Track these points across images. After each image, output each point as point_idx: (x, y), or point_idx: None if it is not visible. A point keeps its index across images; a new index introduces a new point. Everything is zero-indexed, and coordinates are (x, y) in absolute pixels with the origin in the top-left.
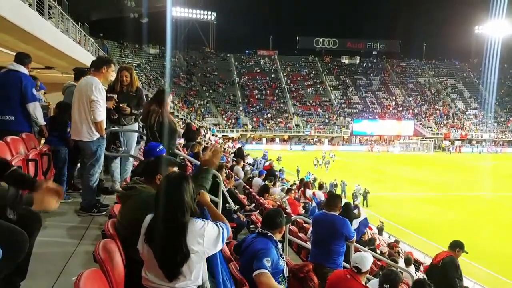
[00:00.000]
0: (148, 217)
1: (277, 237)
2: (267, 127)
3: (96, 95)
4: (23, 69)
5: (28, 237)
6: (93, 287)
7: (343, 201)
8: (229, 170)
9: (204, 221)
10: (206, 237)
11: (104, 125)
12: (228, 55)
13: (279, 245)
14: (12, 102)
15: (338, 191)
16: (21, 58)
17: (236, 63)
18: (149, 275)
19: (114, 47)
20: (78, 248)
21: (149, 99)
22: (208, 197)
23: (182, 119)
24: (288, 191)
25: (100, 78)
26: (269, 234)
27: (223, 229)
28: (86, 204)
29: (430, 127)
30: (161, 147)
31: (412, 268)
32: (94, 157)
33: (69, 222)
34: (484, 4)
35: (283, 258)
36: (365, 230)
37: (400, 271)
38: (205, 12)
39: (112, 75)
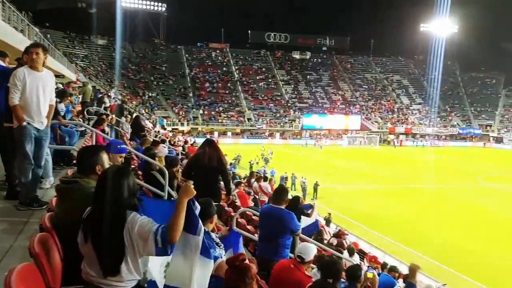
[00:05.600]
0: (87, 210)
1: (209, 227)
2: (219, 121)
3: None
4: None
5: None
6: (26, 282)
7: (294, 194)
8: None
9: (139, 215)
10: (136, 231)
11: (19, 114)
12: (178, 47)
13: (212, 235)
14: None
15: (288, 184)
16: None
17: (187, 55)
18: (88, 269)
19: (61, 37)
20: (16, 243)
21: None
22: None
23: (130, 111)
24: (238, 184)
25: (26, 64)
26: None
27: (157, 231)
28: (22, 198)
29: (376, 122)
30: (123, 145)
31: (356, 258)
32: (17, 147)
33: (7, 217)
34: (429, 2)
35: (219, 246)
36: (314, 232)
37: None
38: (155, 4)
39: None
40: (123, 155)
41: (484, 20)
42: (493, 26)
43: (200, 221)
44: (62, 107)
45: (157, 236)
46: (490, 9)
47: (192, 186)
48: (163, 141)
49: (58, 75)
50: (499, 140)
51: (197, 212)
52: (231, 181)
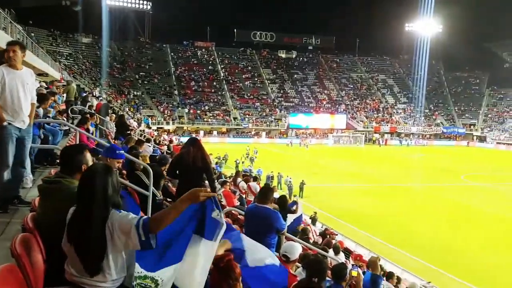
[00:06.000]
0: (71, 210)
1: None
2: (205, 120)
3: None
4: None
5: None
6: (7, 283)
7: (280, 193)
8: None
9: (118, 211)
10: (118, 227)
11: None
12: (164, 45)
13: None
14: None
15: (275, 183)
16: None
17: (172, 54)
18: (71, 269)
19: (45, 35)
20: None
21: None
22: None
23: (114, 110)
24: (224, 183)
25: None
26: None
27: (139, 223)
28: None
29: (362, 121)
30: (122, 151)
31: (341, 256)
32: None
33: None
34: (414, 2)
35: None
36: (297, 226)
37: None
38: (141, 2)
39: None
40: (121, 160)
41: (468, 20)
42: (477, 26)
43: (219, 227)
44: (40, 112)
45: (139, 229)
46: (474, 9)
47: (203, 194)
48: (148, 140)
49: (41, 74)
50: (482, 139)
51: (218, 217)
52: (215, 180)
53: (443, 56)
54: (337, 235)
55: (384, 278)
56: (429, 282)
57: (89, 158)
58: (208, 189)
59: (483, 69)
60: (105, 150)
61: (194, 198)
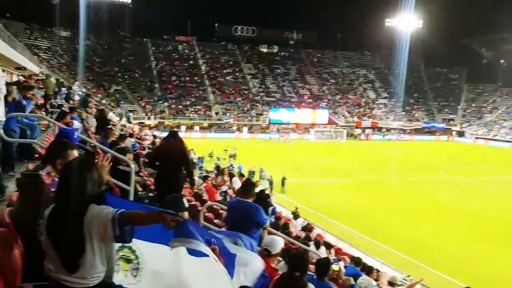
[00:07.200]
0: (51, 207)
1: None
2: (186, 115)
3: None
4: None
5: None
6: None
7: (259, 188)
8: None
9: (96, 205)
10: (95, 222)
11: None
12: (144, 39)
13: None
14: None
15: (256, 178)
16: None
17: (153, 48)
18: (50, 265)
19: (22, 29)
20: None
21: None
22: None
23: (96, 105)
24: (205, 178)
25: None
26: None
27: (114, 218)
28: None
29: (343, 116)
30: (76, 135)
31: (322, 250)
32: None
33: None
34: None
35: None
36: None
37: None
38: None
39: None
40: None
41: (447, 16)
42: (456, 22)
43: (205, 248)
44: None
45: (114, 222)
46: (453, 5)
47: (171, 223)
48: (131, 136)
49: (20, 68)
50: (461, 134)
51: (198, 246)
52: (193, 172)
53: (423, 51)
54: (314, 228)
55: (364, 273)
56: (409, 276)
57: (73, 156)
58: (183, 214)
59: (461, 65)
60: (58, 137)
61: (163, 221)
